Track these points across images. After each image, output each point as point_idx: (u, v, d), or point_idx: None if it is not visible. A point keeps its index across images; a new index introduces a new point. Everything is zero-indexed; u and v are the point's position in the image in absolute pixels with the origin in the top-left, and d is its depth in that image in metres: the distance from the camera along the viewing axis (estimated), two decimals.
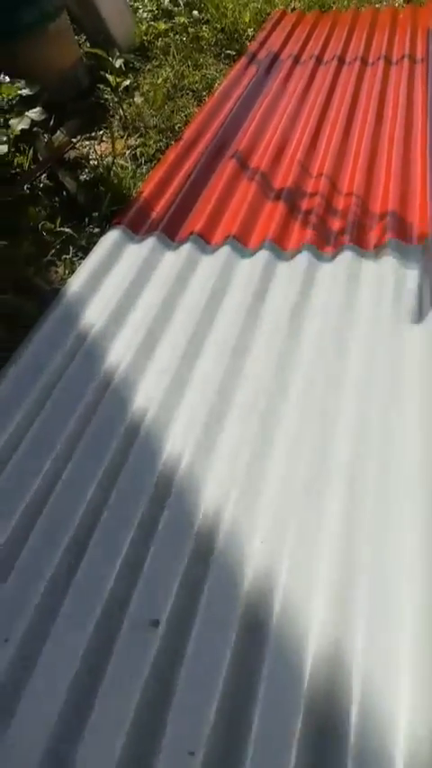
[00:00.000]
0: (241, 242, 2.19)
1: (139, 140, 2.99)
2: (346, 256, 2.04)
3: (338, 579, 1.24)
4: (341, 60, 3.41)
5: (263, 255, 2.09)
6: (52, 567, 1.32)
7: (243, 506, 1.39)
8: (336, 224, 2.23)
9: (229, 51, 3.81)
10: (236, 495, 1.41)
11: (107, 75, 3.18)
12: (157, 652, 1.17)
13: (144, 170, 2.77)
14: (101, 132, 3.14)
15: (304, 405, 1.60)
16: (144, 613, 1.22)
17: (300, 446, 1.50)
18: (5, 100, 2.60)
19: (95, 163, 2.82)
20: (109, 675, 1.14)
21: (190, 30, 4.04)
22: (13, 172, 2.60)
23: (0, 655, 1.18)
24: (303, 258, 2.05)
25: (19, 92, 2.60)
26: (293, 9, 4.24)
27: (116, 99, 3.24)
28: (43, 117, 2.57)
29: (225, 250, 2.14)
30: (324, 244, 2.14)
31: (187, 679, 1.13)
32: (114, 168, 2.69)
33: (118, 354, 1.83)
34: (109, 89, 3.20)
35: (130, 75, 3.48)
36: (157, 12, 4.31)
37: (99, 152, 2.95)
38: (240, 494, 1.41)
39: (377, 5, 4.13)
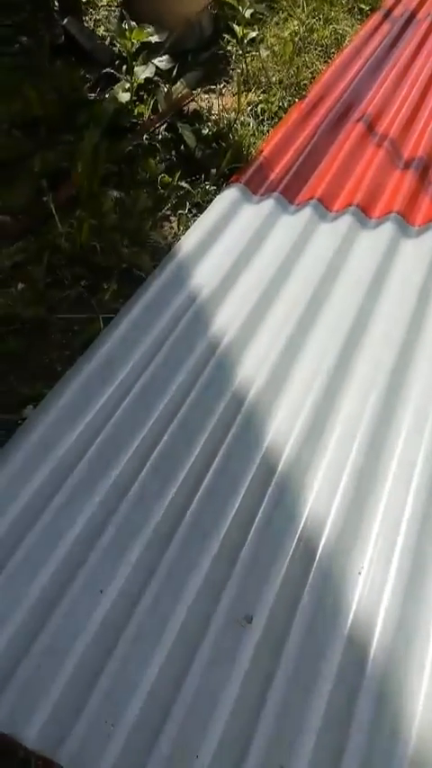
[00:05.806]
0: (365, 212, 2.07)
1: (261, 96, 2.87)
2: None
3: None
4: None
5: (388, 229, 1.97)
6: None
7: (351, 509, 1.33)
8: None
9: (362, 6, 3.58)
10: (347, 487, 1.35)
11: (234, 26, 3.04)
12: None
13: (265, 128, 2.66)
14: (221, 86, 3.04)
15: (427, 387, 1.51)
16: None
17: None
18: (133, 45, 2.54)
19: (216, 117, 2.73)
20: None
21: None
22: (134, 121, 2.56)
23: None
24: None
25: (149, 38, 2.53)
26: None
27: (240, 51, 3.11)
28: (170, 66, 2.49)
29: (346, 219, 2.03)
30: None
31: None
32: (235, 125, 2.59)
33: (226, 320, 1.77)
34: (235, 40, 3.07)
35: (256, 26, 3.33)
36: None
37: (220, 106, 2.85)
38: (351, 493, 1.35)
39: None
